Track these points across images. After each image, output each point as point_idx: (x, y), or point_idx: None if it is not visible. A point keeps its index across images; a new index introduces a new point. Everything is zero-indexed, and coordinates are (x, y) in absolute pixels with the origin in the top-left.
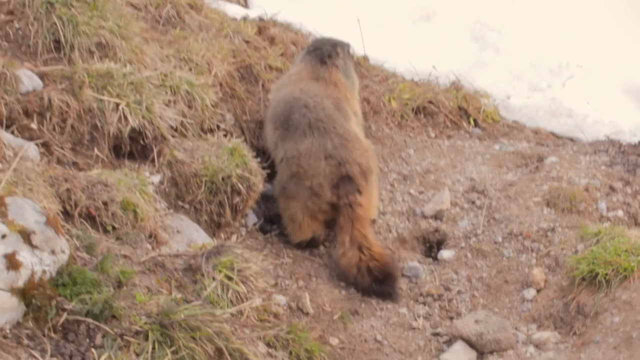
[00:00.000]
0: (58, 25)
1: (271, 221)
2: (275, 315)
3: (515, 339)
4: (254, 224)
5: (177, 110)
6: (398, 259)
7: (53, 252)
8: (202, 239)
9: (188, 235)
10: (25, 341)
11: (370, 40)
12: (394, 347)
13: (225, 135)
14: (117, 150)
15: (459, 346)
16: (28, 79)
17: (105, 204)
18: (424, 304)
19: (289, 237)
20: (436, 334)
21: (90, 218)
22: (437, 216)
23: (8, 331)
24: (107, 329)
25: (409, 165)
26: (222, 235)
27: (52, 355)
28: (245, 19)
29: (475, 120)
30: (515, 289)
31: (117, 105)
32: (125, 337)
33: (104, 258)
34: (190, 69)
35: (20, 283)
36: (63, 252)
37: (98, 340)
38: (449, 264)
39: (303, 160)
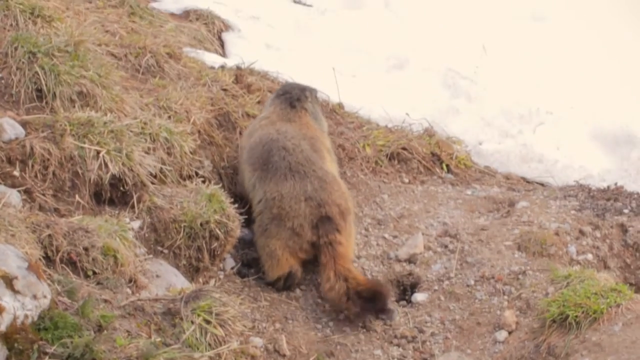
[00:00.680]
0: (40, 74)
1: (248, 265)
2: (253, 358)
3: None
4: (232, 268)
5: (157, 158)
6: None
7: (35, 297)
8: (181, 283)
9: (167, 280)
10: None
11: (345, 88)
12: None
13: (203, 182)
14: (98, 197)
15: None
16: (11, 127)
17: (86, 249)
18: (398, 345)
19: (266, 275)
20: None
21: (71, 263)
22: (411, 260)
23: None
24: None
25: (383, 210)
26: (201, 280)
27: None
28: (223, 67)
29: (448, 166)
30: (487, 330)
31: (98, 152)
32: None
33: (84, 302)
34: (170, 117)
35: (3, 327)
36: (45, 297)
37: None
38: (422, 306)
39: (285, 202)
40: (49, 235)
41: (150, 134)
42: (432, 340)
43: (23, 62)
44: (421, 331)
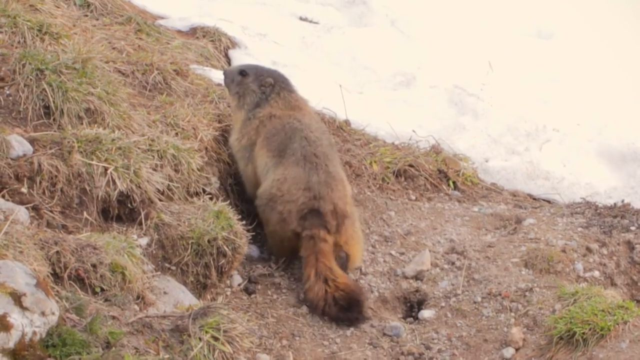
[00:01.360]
0: (48, 91)
1: (255, 282)
2: None
3: None
4: (239, 285)
5: (164, 174)
6: (363, 288)
7: (43, 313)
8: (188, 300)
9: (175, 297)
10: None
11: (351, 105)
12: None
13: (211, 199)
14: (106, 214)
15: None
16: (19, 144)
17: (94, 266)
18: None
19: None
20: None
21: (79, 280)
22: (418, 277)
23: None
24: None
25: (390, 227)
26: (208, 296)
27: None
28: None
29: (454, 183)
30: (494, 347)
31: (106, 169)
32: None
33: (93, 319)
34: (177, 134)
35: (11, 344)
36: (53, 313)
37: None
38: (429, 323)
39: (284, 186)
40: (57, 252)
41: (157, 150)
42: (439, 357)
43: (31, 79)
44: (428, 348)
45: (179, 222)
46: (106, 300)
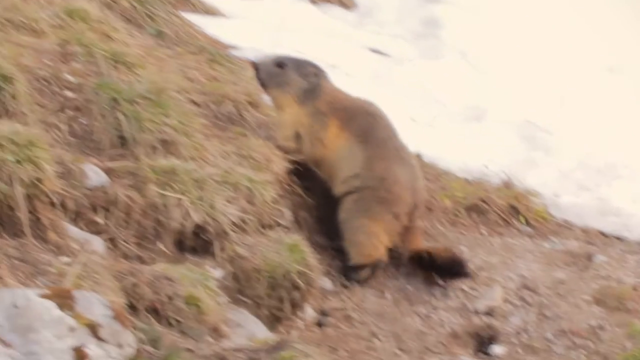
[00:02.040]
0: (123, 121)
1: (328, 315)
2: None
3: None
4: (312, 318)
5: (238, 206)
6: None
7: (119, 345)
8: (262, 332)
9: (249, 329)
10: None
11: (423, 138)
12: None
13: (284, 232)
14: (181, 245)
15: None
16: (94, 174)
17: (169, 298)
18: None
19: (353, 258)
20: None
21: (154, 312)
22: (489, 312)
23: None
24: None
25: None
26: (281, 329)
27: None
28: None
29: (525, 219)
30: None
31: (181, 201)
32: None
33: (168, 352)
34: (251, 166)
35: None
36: (129, 345)
37: None
38: (500, 359)
39: (396, 188)
40: (133, 284)
41: (232, 182)
42: None
43: (106, 109)
44: None
45: (253, 255)
46: (181, 332)
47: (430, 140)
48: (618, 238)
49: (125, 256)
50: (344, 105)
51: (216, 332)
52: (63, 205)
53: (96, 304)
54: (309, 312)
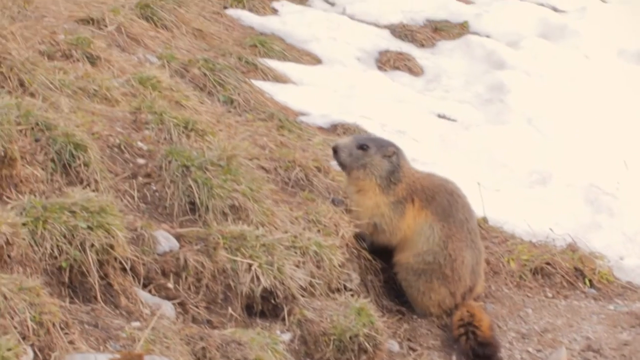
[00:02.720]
0: (193, 188)
1: None
2: None
3: None
4: None
5: (307, 271)
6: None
7: None
8: None
9: None
10: None
11: (489, 202)
12: None
13: (352, 295)
14: (250, 309)
15: None
16: (165, 240)
17: None
18: None
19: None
20: None
21: None
22: None
23: None
24: None
25: (527, 324)
26: None
27: None
28: None
29: (590, 281)
30: None
31: (250, 266)
32: None
33: None
34: (319, 230)
35: None
36: None
37: None
38: None
39: (461, 269)
40: (203, 348)
41: (300, 247)
42: None
43: (177, 175)
44: None
45: (321, 319)
46: None
47: (496, 204)
48: None
49: (195, 321)
50: (422, 185)
51: None
52: (134, 271)
53: None
54: None
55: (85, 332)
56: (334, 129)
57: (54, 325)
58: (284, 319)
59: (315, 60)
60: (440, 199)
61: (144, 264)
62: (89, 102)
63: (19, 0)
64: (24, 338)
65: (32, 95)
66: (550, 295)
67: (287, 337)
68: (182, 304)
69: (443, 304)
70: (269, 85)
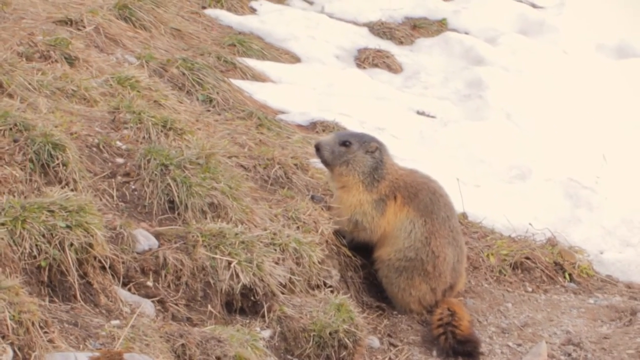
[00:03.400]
0: (172, 186)
1: None
2: None
3: None
4: None
5: (286, 268)
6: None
7: None
8: None
9: None
10: None
11: (468, 198)
12: None
13: (332, 292)
14: (229, 306)
15: None
16: (144, 238)
17: (218, 358)
18: None
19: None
20: None
21: None
22: None
23: None
24: None
25: (507, 319)
26: None
27: None
28: None
29: (570, 275)
30: None
31: (229, 263)
32: None
33: None
34: (298, 228)
35: None
36: None
37: None
38: None
39: (443, 266)
40: (182, 345)
41: (279, 244)
42: None
43: (156, 174)
44: None
45: (301, 315)
46: None
47: (475, 200)
48: None
49: (175, 318)
50: (405, 182)
51: None
52: (113, 269)
53: None
54: None
55: (65, 330)
56: (313, 126)
57: (33, 324)
58: (263, 316)
59: (294, 59)
60: (423, 197)
61: (123, 263)
62: (68, 103)
63: None
64: (3, 337)
65: (10, 96)
66: (530, 289)
67: (267, 333)
68: (161, 302)
69: (423, 300)
70: (248, 84)
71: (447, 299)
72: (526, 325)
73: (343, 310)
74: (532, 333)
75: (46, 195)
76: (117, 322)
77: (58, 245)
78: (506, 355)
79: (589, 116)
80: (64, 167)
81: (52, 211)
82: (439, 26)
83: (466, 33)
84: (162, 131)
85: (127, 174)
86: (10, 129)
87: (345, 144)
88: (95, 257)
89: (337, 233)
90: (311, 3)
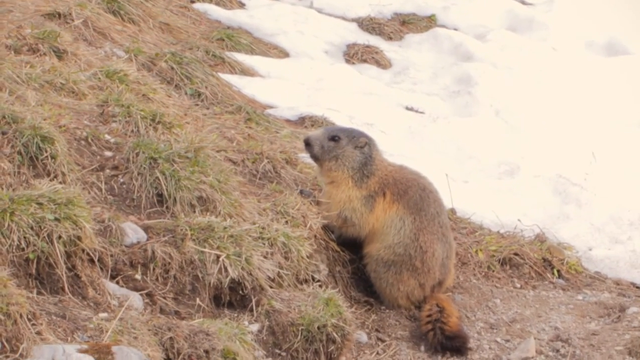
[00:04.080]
0: (161, 180)
1: None
2: None
3: None
4: None
5: (275, 262)
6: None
7: None
8: None
9: None
10: None
11: (457, 194)
12: None
13: (320, 286)
14: (217, 300)
15: None
16: (133, 231)
17: (206, 352)
18: None
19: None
20: None
21: None
22: None
23: None
24: None
25: (496, 315)
26: None
27: None
28: None
29: (559, 272)
30: None
31: (218, 257)
32: None
33: None
34: (287, 222)
35: None
36: None
37: None
38: None
39: (431, 262)
40: (171, 338)
41: (268, 238)
42: None
43: (144, 168)
44: None
45: (289, 309)
46: None
47: (464, 195)
48: None
49: (163, 311)
50: (395, 178)
51: None
52: (101, 262)
53: (134, 359)
54: None
55: (53, 323)
56: (302, 121)
57: (21, 316)
58: (252, 310)
59: (283, 54)
60: (413, 194)
61: (111, 256)
62: (56, 96)
63: None
64: None
65: None
66: (518, 285)
67: (255, 327)
68: (150, 295)
69: (412, 295)
70: (237, 78)
71: (436, 294)
72: (514, 321)
73: (331, 304)
74: (520, 329)
75: (34, 188)
76: (105, 314)
77: (46, 237)
78: (494, 351)
79: (578, 113)
80: (53, 160)
81: (40, 204)
82: (428, 22)
83: (455, 29)
84: (150, 125)
85: (115, 167)
86: None
87: (334, 138)
88: (83, 250)
89: (326, 228)
90: None
